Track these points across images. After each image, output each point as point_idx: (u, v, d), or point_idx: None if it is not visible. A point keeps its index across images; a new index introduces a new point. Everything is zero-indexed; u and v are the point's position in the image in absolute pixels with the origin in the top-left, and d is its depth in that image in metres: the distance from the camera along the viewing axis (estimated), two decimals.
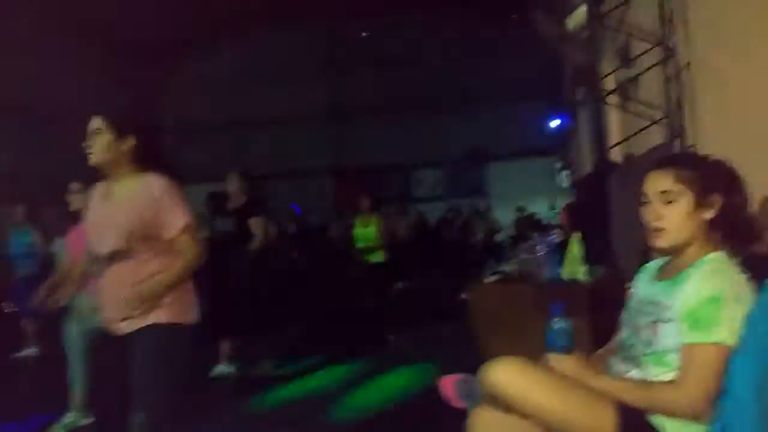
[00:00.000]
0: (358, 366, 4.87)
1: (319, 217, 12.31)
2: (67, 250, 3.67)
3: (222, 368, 4.69)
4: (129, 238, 2.15)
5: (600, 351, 1.93)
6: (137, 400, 2.12)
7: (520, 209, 13.21)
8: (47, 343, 6.11)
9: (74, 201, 3.58)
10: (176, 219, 2.20)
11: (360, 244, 6.26)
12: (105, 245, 2.20)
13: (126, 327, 2.18)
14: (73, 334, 3.47)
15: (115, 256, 2.17)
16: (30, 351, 6.20)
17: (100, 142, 2.24)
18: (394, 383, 4.38)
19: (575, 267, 3.07)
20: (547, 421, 1.63)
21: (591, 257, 2.88)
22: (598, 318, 2.75)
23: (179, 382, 2.21)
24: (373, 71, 14.32)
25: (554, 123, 11.91)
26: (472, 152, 14.41)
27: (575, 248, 3.01)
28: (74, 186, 3.63)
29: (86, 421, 3.59)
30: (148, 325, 2.16)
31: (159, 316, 2.17)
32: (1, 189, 10.11)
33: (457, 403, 1.92)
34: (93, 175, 3.52)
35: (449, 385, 1.94)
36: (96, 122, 2.26)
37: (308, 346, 5.70)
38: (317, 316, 7.24)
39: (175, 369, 2.22)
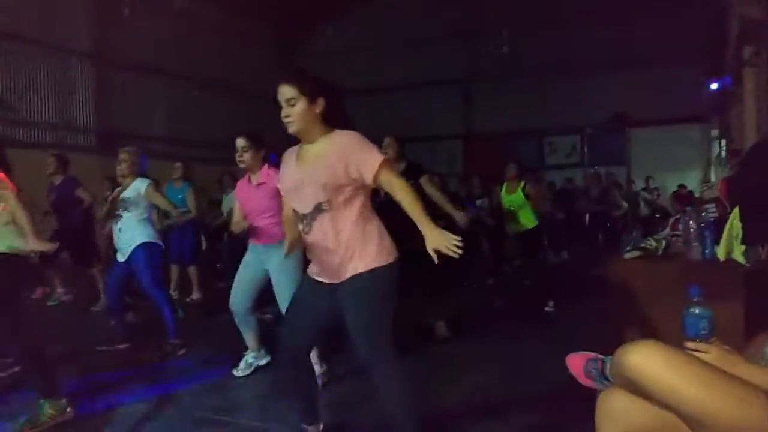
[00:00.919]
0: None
1: (450, 182, 12.28)
2: (236, 201, 3.95)
3: None
4: (327, 193, 2.30)
5: (755, 339, 1.74)
6: (359, 342, 2.33)
7: (648, 178, 12.30)
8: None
9: (244, 158, 3.73)
10: (371, 160, 2.28)
11: (508, 211, 6.09)
12: (307, 204, 2.36)
13: (335, 277, 2.38)
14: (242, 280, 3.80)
15: (317, 211, 2.33)
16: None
17: (296, 110, 2.32)
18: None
19: (733, 247, 2.77)
20: (685, 410, 1.48)
21: (752, 237, 2.57)
22: (755, 304, 2.48)
23: (390, 317, 2.39)
24: (512, 33, 13.75)
25: (711, 87, 10.75)
26: (615, 117, 13.46)
27: (734, 226, 2.70)
28: (240, 142, 3.73)
29: (264, 361, 3.97)
30: (357, 274, 2.33)
31: (366, 264, 2.33)
32: (161, 149, 11.20)
33: (585, 381, 1.82)
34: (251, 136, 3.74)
35: (578, 363, 1.84)
36: (288, 91, 2.32)
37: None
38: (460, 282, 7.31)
39: (388, 307, 2.40)
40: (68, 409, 3.15)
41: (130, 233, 4.53)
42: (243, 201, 3.83)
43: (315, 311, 2.46)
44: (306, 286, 2.54)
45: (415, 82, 14.47)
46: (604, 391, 1.73)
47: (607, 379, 1.72)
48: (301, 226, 2.42)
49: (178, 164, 7.01)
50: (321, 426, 2.68)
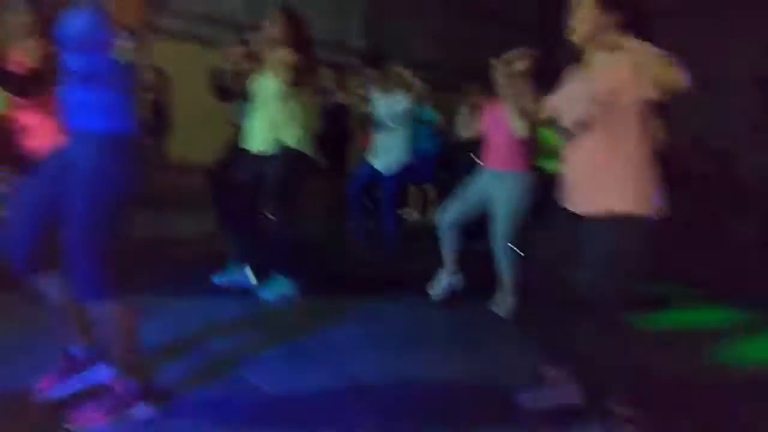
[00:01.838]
0: (757, 313, 4.05)
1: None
2: (484, 124, 3.78)
3: None
4: (595, 111, 2.11)
5: None
6: (590, 291, 2.11)
7: None
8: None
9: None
10: (643, 92, 2.03)
11: None
12: (575, 117, 2.22)
13: (582, 206, 2.20)
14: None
15: (579, 127, 2.18)
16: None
17: (583, 15, 2.17)
18: None
19: None
20: None
21: None
22: None
23: (632, 276, 2.10)
24: None
25: None
26: None
27: None
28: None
29: (509, 308, 3.64)
30: (611, 213, 2.11)
31: (621, 205, 2.10)
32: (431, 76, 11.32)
33: None
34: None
35: None
36: None
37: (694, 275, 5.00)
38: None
39: (626, 262, 2.10)
40: None
41: (394, 150, 4.78)
42: (488, 120, 3.69)
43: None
44: (562, 217, 2.30)
45: None
46: None
47: None
48: (564, 141, 2.28)
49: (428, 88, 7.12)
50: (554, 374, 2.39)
